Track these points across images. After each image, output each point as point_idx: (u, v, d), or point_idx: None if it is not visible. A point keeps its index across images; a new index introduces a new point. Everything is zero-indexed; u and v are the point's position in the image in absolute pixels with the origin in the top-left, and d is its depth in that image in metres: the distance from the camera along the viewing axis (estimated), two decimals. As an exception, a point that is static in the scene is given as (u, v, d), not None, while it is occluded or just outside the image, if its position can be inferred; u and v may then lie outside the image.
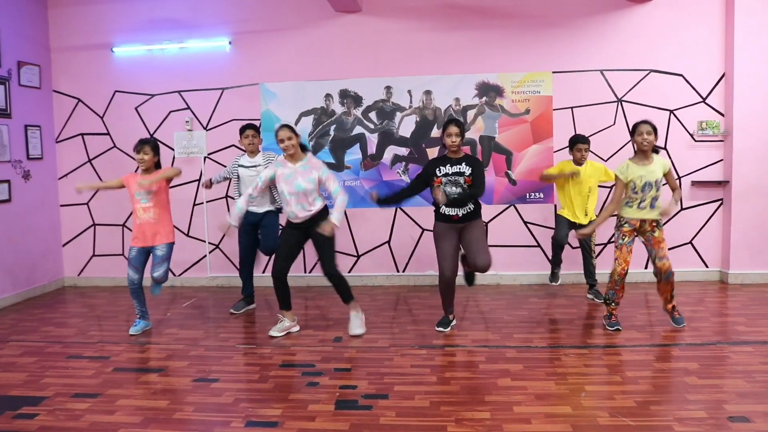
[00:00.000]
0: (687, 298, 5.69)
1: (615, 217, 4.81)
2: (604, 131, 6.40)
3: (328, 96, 6.60)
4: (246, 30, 6.64)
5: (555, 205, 6.31)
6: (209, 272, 6.86)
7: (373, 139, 6.60)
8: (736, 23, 6.08)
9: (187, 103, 6.77)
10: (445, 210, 4.71)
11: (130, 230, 6.91)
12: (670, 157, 6.30)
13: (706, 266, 6.47)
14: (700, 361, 4.06)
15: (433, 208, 4.88)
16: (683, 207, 6.39)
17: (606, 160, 6.35)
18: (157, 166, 4.98)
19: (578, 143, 5.54)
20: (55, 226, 7.00)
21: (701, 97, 6.32)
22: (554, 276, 5.81)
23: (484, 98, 6.46)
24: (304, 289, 6.47)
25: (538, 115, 6.44)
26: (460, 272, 4.92)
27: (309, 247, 5.01)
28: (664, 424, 3.15)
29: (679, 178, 6.37)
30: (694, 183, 6.36)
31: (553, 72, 6.41)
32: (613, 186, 4.98)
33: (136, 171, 4.97)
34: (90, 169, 6.94)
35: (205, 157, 6.73)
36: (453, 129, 4.67)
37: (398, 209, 6.63)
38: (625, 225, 4.65)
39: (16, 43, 6.39)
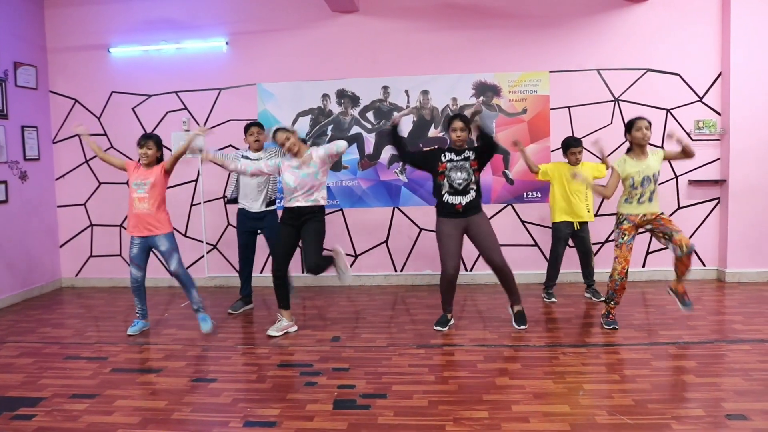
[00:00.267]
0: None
1: (615, 216, 4.80)
2: (601, 131, 6.40)
3: (325, 96, 6.60)
4: (243, 30, 6.64)
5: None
6: (207, 272, 6.86)
7: (370, 139, 6.60)
8: (733, 22, 6.09)
9: (184, 104, 6.77)
10: (447, 198, 4.70)
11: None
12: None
13: (704, 265, 6.48)
14: (698, 359, 4.07)
15: (435, 207, 4.88)
16: (680, 206, 6.40)
17: (602, 160, 6.35)
18: (159, 161, 4.97)
19: (571, 147, 5.54)
20: (53, 226, 6.99)
21: (698, 96, 6.33)
22: (550, 294, 5.78)
23: (482, 98, 6.47)
24: (301, 289, 6.46)
25: (535, 115, 6.44)
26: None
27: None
28: (662, 422, 3.15)
29: (676, 177, 6.38)
30: (691, 182, 6.37)
31: (550, 71, 6.41)
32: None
33: (139, 161, 4.94)
34: (87, 170, 6.93)
35: (201, 158, 6.72)
36: (458, 123, 4.70)
37: (396, 209, 6.63)
38: (625, 222, 4.64)
39: (12, 43, 6.38)
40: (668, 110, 6.33)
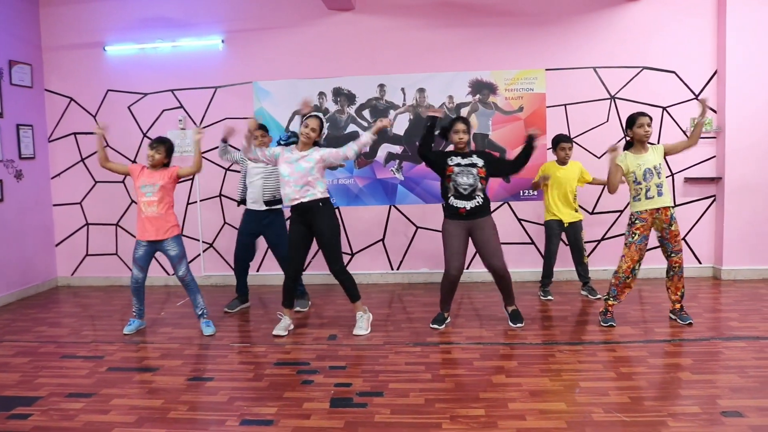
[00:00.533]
0: (680, 294, 5.72)
1: (608, 214, 4.82)
2: (597, 128, 6.42)
3: (321, 94, 6.59)
4: (239, 28, 6.63)
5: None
6: (203, 271, 6.85)
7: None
8: (728, 20, 6.10)
9: (180, 102, 6.75)
10: (453, 201, 4.71)
11: (124, 230, 6.91)
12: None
13: (699, 262, 6.50)
14: (694, 356, 4.08)
15: (441, 205, 4.89)
16: (676, 203, 6.41)
17: (599, 158, 6.38)
18: (165, 167, 4.96)
19: (561, 142, 5.58)
20: (48, 225, 6.97)
21: (694, 94, 6.34)
22: (546, 292, 5.80)
23: (478, 96, 6.47)
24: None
25: (531, 113, 6.45)
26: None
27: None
28: (658, 419, 3.16)
29: (672, 174, 6.39)
30: (687, 179, 6.39)
31: (546, 69, 6.42)
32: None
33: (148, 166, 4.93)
34: (83, 169, 6.92)
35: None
36: (460, 126, 4.71)
37: (392, 207, 6.63)
38: (638, 221, 4.65)
39: (7, 41, 6.36)
40: (664, 108, 6.34)
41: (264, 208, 5.45)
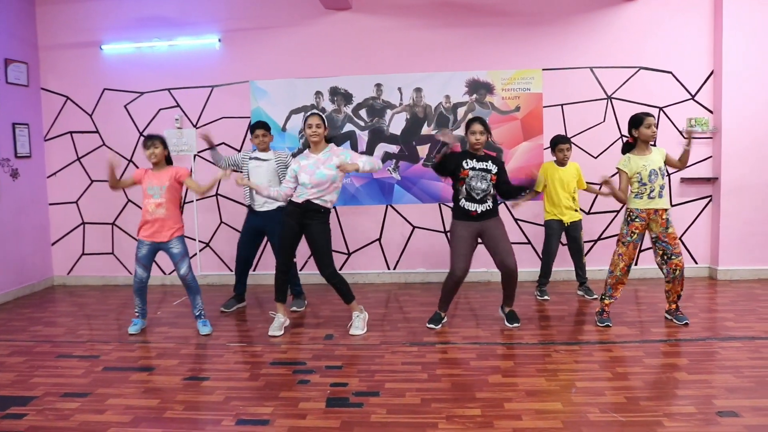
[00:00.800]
0: (676, 294, 5.73)
1: (624, 212, 4.80)
2: (594, 128, 6.42)
3: (318, 93, 6.58)
4: (236, 27, 6.62)
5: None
6: (200, 270, 6.84)
7: (363, 137, 6.59)
8: (725, 21, 6.11)
9: (176, 101, 6.74)
10: (465, 204, 4.70)
11: (120, 229, 6.90)
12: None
13: (696, 262, 6.51)
14: (690, 356, 4.09)
15: (451, 204, 4.88)
16: (672, 204, 6.42)
17: (596, 157, 6.39)
18: (168, 161, 4.94)
19: (559, 143, 5.57)
20: (44, 224, 6.96)
21: (690, 94, 6.35)
22: (543, 292, 5.80)
23: (475, 95, 6.47)
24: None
25: (528, 113, 6.45)
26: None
27: (303, 246, 5.02)
28: (653, 419, 3.16)
29: (669, 175, 6.40)
30: (683, 180, 6.40)
31: (543, 69, 6.42)
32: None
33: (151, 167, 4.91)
34: (79, 168, 6.90)
35: (195, 155, 6.70)
36: (477, 127, 4.68)
37: (389, 206, 6.63)
38: (636, 220, 4.65)
39: (3, 40, 6.34)
40: (661, 108, 6.35)
41: (267, 209, 5.42)
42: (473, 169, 4.67)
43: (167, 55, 6.72)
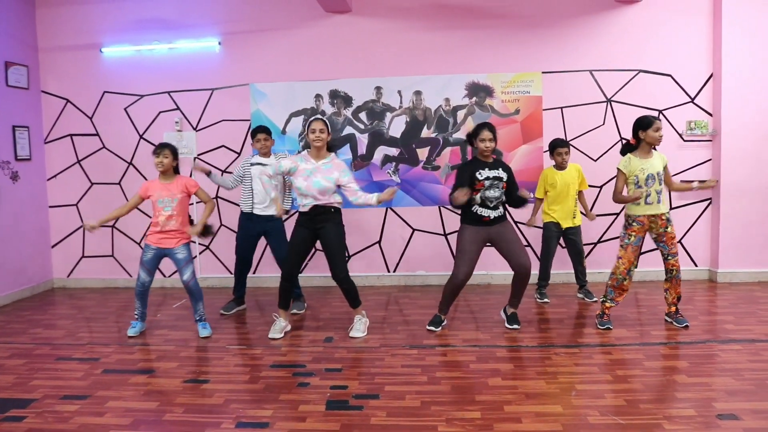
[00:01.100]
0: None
1: (623, 216, 4.81)
2: (594, 131, 6.43)
3: (318, 96, 6.59)
4: (236, 30, 6.63)
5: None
6: (199, 273, 6.83)
7: (363, 140, 6.59)
8: (724, 24, 6.12)
9: (176, 104, 6.75)
10: (478, 210, 4.69)
11: (120, 231, 6.90)
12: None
13: (695, 265, 6.51)
14: (690, 359, 4.09)
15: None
16: (672, 206, 6.42)
17: (595, 160, 6.39)
18: (176, 170, 4.95)
19: (557, 147, 5.57)
20: (44, 227, 6.96)
21: (689, 97, 6.36)
22: (543, 295, 5.80)
23: (474, 98, 6.48)
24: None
25: (527, 116, 6.45)
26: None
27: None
28: (653, 422, 3.16)
29: (670, 175, 6.40)
30: (683, 182, 6.39)
31: (543, 72, 6.43)
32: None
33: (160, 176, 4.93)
34: (79, 170, 6.90)
35: (195, 158, 6.71)
36: (487, 134, 4.67)
37: (389, 209, 6.63)
38: (635, 224, 4.65)
39: (3, 43, 6.35)
40: (660, 111, 6.36)
41: (269, 213, 5.41)
42: (487, 178, 4.66)
43: (167, 57, 6.73)
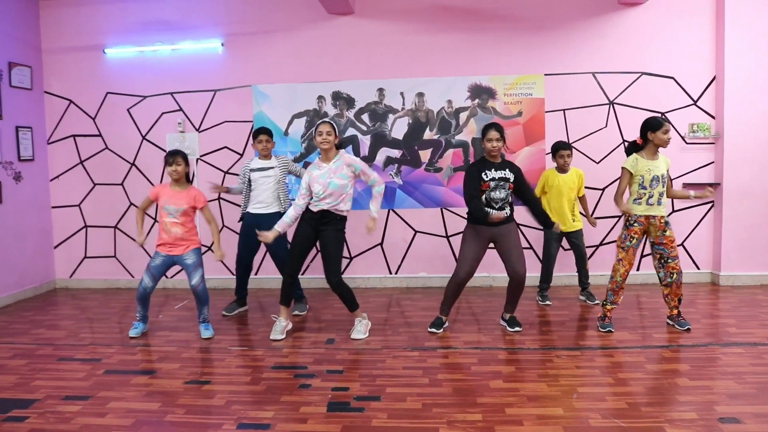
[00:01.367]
0: (678, 299, 5.72)
1: (623, 217, 4.80)
2: (596, 134, 6.43)
3: (320, 98, 6.60)
4: (238, 32, 6.64)
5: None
6: (201, 274, 6.84)
7: (365, 141, 6.60)
8: (727, 26, 6.12)
9: (179, 105, 6.76)
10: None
11: (123, 232, 6.91)
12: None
13: (698, 268, 6.50)
14: (692, 362, 4.08)
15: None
16: (674, 209, 6.42)
17: (598, 163, 6.39)
18: (188, 178, 4.96)
19: (560, 150, 5.56)
20: (47, 227, 6.97)
21: (692, 99, 6.35)
22: (544, 297, 5.80)
23: (477, 100, 6.48)
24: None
25: (530, 118, 6.45)
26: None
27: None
28: (655, 425, 3.16)
29: (671, 180, 6.38)
30: (685, 185, 6.39)
31: (545, 74, 6.43)
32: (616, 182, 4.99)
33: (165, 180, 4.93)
34: (82, 171, 6.92)
35: (197, 159, 6.72)
36: (494, 134, 4.66)
37: (391, 211, 6.63)
38: (635, 224, 4.65)
39: (6, 43, 6.37)
40: (662, 113, 6.35)
41: (270, 211, 5.42)
42: (493, 179, 4.66)
43: (170, 58, 6.75)
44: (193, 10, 6.68)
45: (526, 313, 5.42)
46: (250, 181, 5.46)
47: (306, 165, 6.43)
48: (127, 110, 6.83)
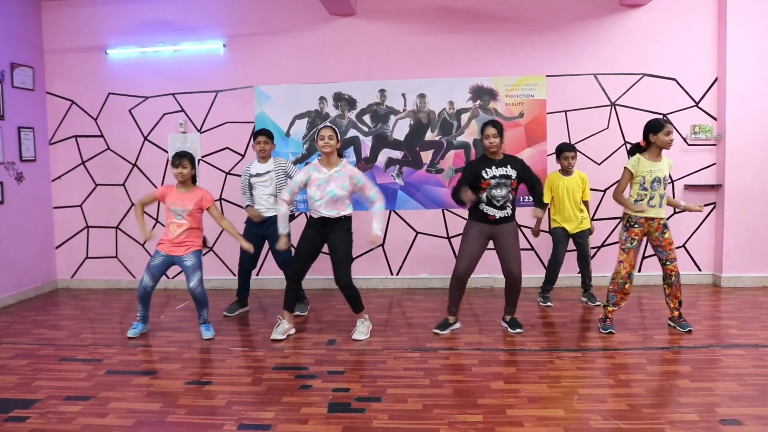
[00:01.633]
0: (680, 301, 5.72)
1: (623, 219, 4.79)
2: (598, 135, 6.42)
3: (322, 99, 6.60)
4: (240, 32, 6.64)
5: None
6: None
7: (367, 142, 6.60)
8: (729, 28, 6.12)
9: (181, 106, 6.77)
10: (485, 208, 4.69)
11: (124, 232, 6.91)
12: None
13: (699, 269, 6.50)
14: (693, 364, 4.07)
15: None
16: (676, 211, 6.41)
17: (599, 164, 6.39)
18: (193, 179, 4.97)
19: (564, 151, 5.56)
20: (48, 228, 6.98)
21: (694, 101, 6.35)
22: (546, 299, 5.79)
23: (478, 101, 6.48)
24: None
25: (531, 119, 6.45)
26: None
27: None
28: (656, 427, 3.15)
29: (673, 181, 6.39)
30: (687, 186, 6.39)
31: (547, 76, 6.43)
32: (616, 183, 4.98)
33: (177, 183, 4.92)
34: (83, 172, 6.92)
35: (198, 160, 6.72)
36: (490, 130, 4.66)
37: (392, 212, 6.63)
38: (636, 226, 4.65)
39: (9, 44, 6.38)
40: (664, 115, 6.35)
41: (273, 213, 5.42)
42: (494, 177, 4.65)
43: (172, 59, 6.75)
44: (195, 11, 6.69)
45: (528, 314, 5.41)
46: (251, 184, 5.48)
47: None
48: (129, 111, 6.84)
